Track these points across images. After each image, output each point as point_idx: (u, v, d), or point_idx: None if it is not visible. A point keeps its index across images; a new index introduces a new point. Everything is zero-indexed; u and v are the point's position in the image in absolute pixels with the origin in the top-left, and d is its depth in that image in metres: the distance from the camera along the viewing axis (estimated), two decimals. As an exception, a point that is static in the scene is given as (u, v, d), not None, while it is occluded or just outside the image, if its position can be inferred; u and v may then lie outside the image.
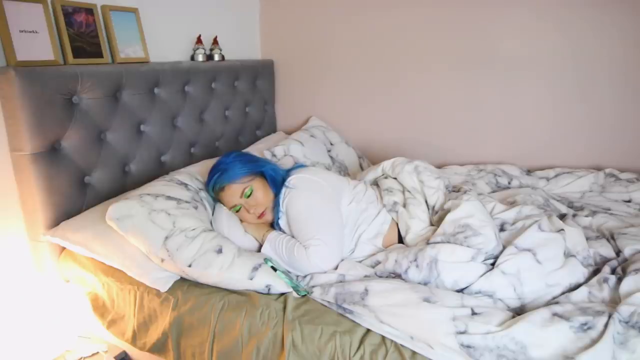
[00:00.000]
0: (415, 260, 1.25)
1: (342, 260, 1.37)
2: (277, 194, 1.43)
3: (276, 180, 1.46)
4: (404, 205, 1.49)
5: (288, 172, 1.49)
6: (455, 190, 1.52)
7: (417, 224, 1.42)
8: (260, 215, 1.42)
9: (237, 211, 1.44)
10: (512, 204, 1.55)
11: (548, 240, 1.26)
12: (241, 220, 1.48)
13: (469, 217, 1.30)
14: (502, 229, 1.37)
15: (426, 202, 1.51)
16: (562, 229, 1.31)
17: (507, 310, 1.12)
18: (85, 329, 1.51)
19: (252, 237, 1.45)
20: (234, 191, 1.42)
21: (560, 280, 1.18)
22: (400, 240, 1.46)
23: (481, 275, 1.19)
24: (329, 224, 1.35)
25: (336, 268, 1.32)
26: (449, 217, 1.32)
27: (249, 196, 1.41)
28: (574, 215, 1.60)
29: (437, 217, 1.44)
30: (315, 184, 1.43)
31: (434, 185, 1.50)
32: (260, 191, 1.43)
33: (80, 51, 1.52)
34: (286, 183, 1.42)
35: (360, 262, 1.40)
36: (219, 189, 1.44)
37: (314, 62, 2.49)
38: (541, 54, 2.02)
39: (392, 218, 1.48)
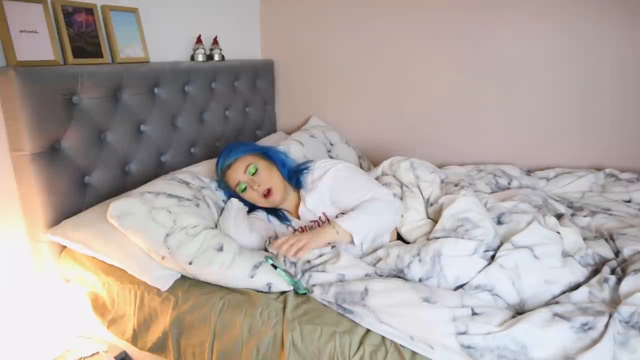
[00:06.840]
0: (419, 254, 1.25)
1: (345, 256, 1.36)
2: (289, 179, 1.54)
3: (286, 164, 1.56)
4: (401, 198, 1.54)
5: (299, 166, 1.57)
6: (454, 184, 1.55)
7: (412, 214, 1.47)
8: (268, 195, 1.47)
9: (243, 191, 1.49)
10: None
11: (545, 238, 1.26)
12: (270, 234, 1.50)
13: (467, 212, 1.32)
14: (499, 222, 1.38)
15: (422, 195, 1.55)
16: (558, 232, 1.31)
17: (507, 310, 1.12)
18: (85, 328, 1.51)
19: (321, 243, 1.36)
20: (238, 167, 1.49)
21: (559, 278, 1.19)
22: (399, 237, 1.48)
23: (480, 271, 1.20)
24: (368, 179, 1.51)
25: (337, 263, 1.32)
26: (447, 212, 1.34)
27: (253, 174, 1.48)
28: (572, 215, 1.60)
29: (432, 209, 1.47)
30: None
31: (428, 180, 1.56)
32: (265, 170, 1.50)
33: (80, 51, 1.52)
34: (311, 167, 1.53)
35: (361, 258, 1.40)
36: (226, 167, 1.50)
37: (314, 62, 2.49)
38: (541, 54, 2.02)
39: None
